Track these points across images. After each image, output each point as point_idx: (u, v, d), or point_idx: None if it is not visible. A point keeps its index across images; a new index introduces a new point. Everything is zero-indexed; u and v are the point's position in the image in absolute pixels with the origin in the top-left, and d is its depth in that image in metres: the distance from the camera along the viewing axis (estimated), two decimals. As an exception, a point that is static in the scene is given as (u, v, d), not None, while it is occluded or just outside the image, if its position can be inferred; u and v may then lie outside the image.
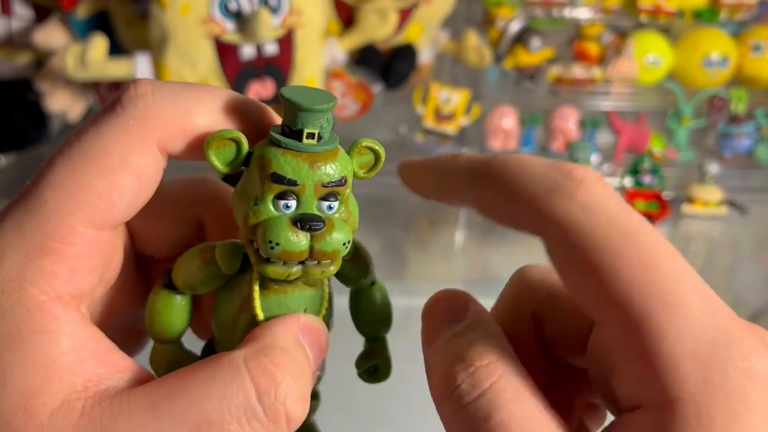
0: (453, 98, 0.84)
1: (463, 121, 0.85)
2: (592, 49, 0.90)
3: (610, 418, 0.21)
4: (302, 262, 0.20)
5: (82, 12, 0.74)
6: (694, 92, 0.87)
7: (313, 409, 0.25)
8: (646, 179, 0.82)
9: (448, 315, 0.22)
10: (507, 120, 0.85)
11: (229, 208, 0.23)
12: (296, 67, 0.74)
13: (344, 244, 0.20)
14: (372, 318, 0.25)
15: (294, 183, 0.20)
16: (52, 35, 0.73)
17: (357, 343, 0.26)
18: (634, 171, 0.82)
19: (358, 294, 0.25)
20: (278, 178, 0.20)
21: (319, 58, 0.76)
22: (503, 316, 0.24)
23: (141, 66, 0.71)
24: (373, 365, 0.25)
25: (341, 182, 0.21)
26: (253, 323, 0.21)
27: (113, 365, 0.20)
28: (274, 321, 0.21)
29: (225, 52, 0.71)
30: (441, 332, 0.21)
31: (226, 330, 0.23)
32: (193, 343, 0.25)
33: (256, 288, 0.21)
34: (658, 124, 0.88)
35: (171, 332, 0.23)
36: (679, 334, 0.17)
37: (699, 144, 0.90)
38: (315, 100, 0.20)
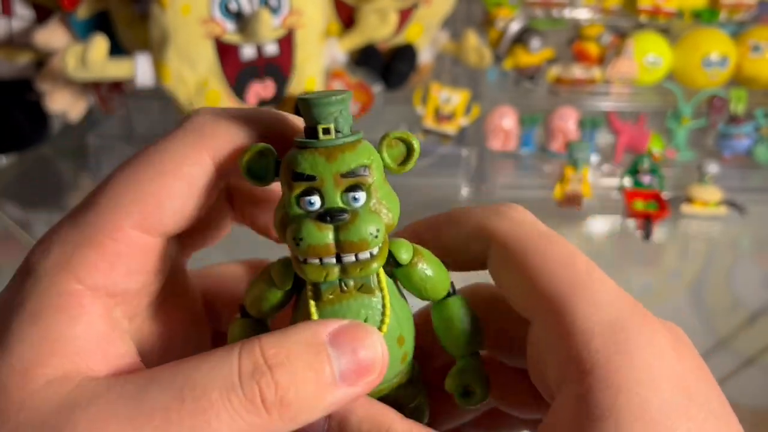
0: (453, 98, 0.84)
1: (462, 121, 0.85)
2: (592, 49, 0.90)
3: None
4: (339, 261, 0.20)
5: (82, 12, 0.74)
6: (693, 92, 0.87)
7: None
8: (646, 179, 0.82)
9: None
10: (507, 120, 0.85)
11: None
12: (296, 67, 0.74)
13: (371, 232, 0.20)
14: (453, 333, 0.23)
15: (312, 178, 0.20)
16: (52, 35, 0.74)
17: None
18: (634, 171, 0.83)
19: (437, 307, 0.24)
20: (297, 176, 0.20)
21: (319, 59, 0.76)
22: None
23: (141, 66, 0.71)
24: (465, 385, 0.24)
25: (361, 171, 0.20)
26: None
27: (116, 368, 0.20)
28: (306, 321, 0.21)
29: (225, 52, 0.71)
30: None
31: None
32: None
33: (312, 300, 0.21)
34: (657, 124, 0.88)
35: None
36: (591, 315, 0.20)
37: (698, 144, 0.90)
38: (326, 95, 0.21)
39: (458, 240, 0.24)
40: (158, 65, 0.71)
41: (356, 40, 0.80)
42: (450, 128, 0.84)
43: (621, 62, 0.88)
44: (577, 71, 0.88)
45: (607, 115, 0.88)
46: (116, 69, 0.70)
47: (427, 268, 0.23)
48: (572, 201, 0.81)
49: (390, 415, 0.22)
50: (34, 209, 0.86)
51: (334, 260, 0.20)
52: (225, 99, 0.73)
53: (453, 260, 0.24)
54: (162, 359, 0.21)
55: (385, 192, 0.21)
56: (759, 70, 0.89)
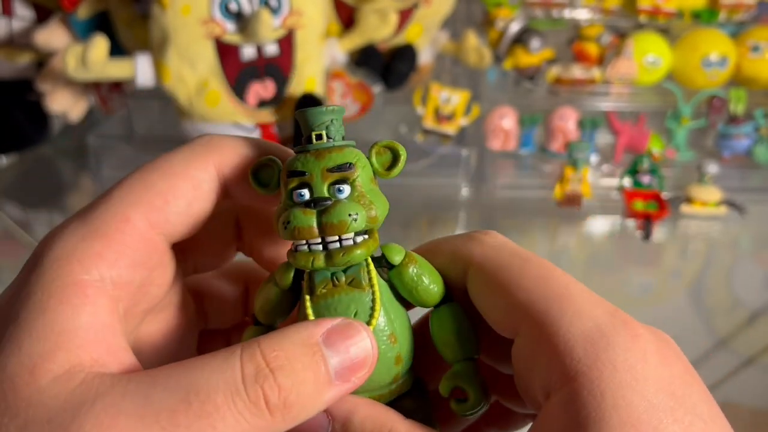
0: (453, 98, 0.84)
1: (462, 121, 0.85)
2: (592, 49, 0.90)
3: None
4: (325, 247, 0.22)
5: (82, 13, 0.74)
6: (693, 93, 0.87)
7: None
8: (645, 179, 0.82)
9: None
10: (506, 120, 0.85)
11: (262, 210, 0.27)
12: (296, 67, 0.75)
13: (350, 214, 0.22)
14: (447, 338, 0.25)
15: (303, 173, 0.23)
16: (52, 36, 0.74)
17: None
18: (633, 171, 0.83)
19: (434, 314, 0.25)
20: (291, 173, 0.23)
21: (319, 59, 0.76)
22: None
23: (141, 66, 0.71)
24: (458, 387, 0.24)
25: (346, 166, 0.23)
26: None
27: (119, 362, 0.20)
28: (301, 322, 0.21)
29: (225, 52, 0.71)
30: None
31: None
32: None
33: (306, 294, 0.23)
34: (657, 124, 0.88)
35: None
36: (571, 325, 0.20)
37: (698, 144, 0.90)
38: (319, 107, 0.23)
39: (439, 268, 0.25)
40: (158, 65, 0.71)
41: (356, 40, 0.80)
42: (450, 128, 0.84)
43: (621, 62, 0.88)
44: (577, 71, 0.88)
45: (607, 116, 0.88)
46: (116, 69, 0.70)
47: (419, 271, 0.24)
48: (572, 201, 0.81)
49: (392, 416, 0.22)
50: (34, 209, 0.86)
51: (320, 246, 0.22)
52: (225, 99, 0.73)
53: None
54: (153, 362, 0.22)
55: (372, 192, 0.23)
56: (758, 71, 0.89)
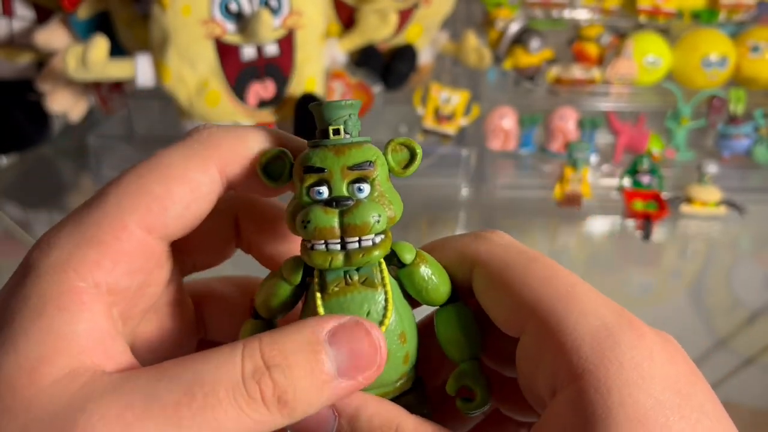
0: (453, 99, 0.85)
1: (462, 121, 0.85)
2: (592, 49, 0.90)
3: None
4: (344, 248, 0.22)
5: (83, 13, 0.74)
6: (692, 93, 0.87)
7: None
8: (645, 179, 0.82)
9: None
10: (506, 120, 0.85)
11: (261, 205, 0.26)
12: (296, 67, 0.75)
13: (373, 216, 0.22)
14: (453, 337, 0.24)
15: (321, 170, 0.22)
16: (53, 36, 0.74)
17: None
18: (633, 171, 0.83)
19: (439, 312, 0.25)
20: (308, 169, 0.22)
21: (319, 59, 0.76)
22: None
23: (142, 67, 0.71)
24: (464, 386, 0.24)
25: (367, 164, 0.22)
26: None
27: (120, 365, 0.20)
28: (305, 319, 0.21)
29: (226, 52, 0.71)
30: None
31: None
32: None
33: (318, 292, 0.23)
34: (657, 124, 0.89)
35: None
36: (578, 323, 0.20)
37: (698, 144, 0.90)
38: (337, 101, 0.23)
39: (446, 265, 0.25)
40: (158, 65, 0.71)
41: (356, 40, 0.80)
42: (450, 128, 0.85)
43: (620, 62, 0.88)
44: (577, 71, 0.88)
45: (607, 116, 0.88)
46: (117, 69, 0.71)
47: (430, 271, 0.24)
48: (572, 201, 0.81)
49: (399, 412, 0.22)
50: (35, 209, 0.86)
51: (338, 246, 0.22)
52: (225, 99, 0.73)
53: None
54: (151, 362, 0.22)
55: (390, 191, 0.23)
56: (758, 71, 0.89)
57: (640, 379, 0.19)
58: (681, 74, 0.90)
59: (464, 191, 0.84)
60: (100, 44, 0.68)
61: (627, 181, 0.83)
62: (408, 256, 0.24)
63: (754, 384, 0.66)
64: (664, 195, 0.82)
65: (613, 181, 0.84)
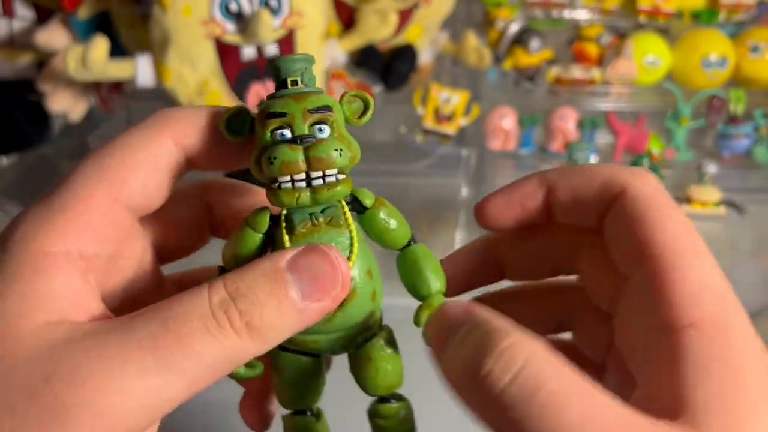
0: (453, 99, 0.85)
1: (462, 121, 0.85)
2: (591, 49, 0.90)
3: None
4: (309, 184, 0.23)
5: (83, 13, 0.74)
6: (692, 93, 0.87)
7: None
8: (645, 179, 0.82)
9: (452, 323, 0.22)
10: (506, 120, 0.85)
11: (232, 190, 0.27)
12: (296, 67, 0.75)
13: (336, 149, 0.23)
14: (415, 276, 0.26)
15: (283, 114, 0.23)
16: (53, 36, 0.74)
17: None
18: (633, 171, 0.83)
19: (401, 255, 0.27)
20: (270, 115, 0.24)
21: (319, 59, 0.76)
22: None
23: (142, 67, 0.72)
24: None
25: (326, 107, 0.24)
26: None
27: (95, 319, 0.21)
28: (266, 255, 0.23)
29: (226, 52, 0.71)
30: (450, 339, 0.22)
31: None
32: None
33: (286, 235, 0.24)
34: (656, 124, 0.89)
35: None
36: (703, 272, 0.22)
37: (697, 144, 0.90)
38: (291, 55, 0.25)
39: (588, 188, 0.26)
40: (159, 66, 0.71)
41: (356, 40, 0.80)
42: (450, 128, 0.85)
43: (620, 63, 0.88)
44: (577, 72, 0.88)
45: (607, 116, 0.88)
46: (117, 70, 0.71)
47: (389, 215, 0.26)
48: (572, 201, 0.81)
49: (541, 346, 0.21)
50: (35, 209, 0.86)
51: (304, 183, 0.23)
52: (225, 99, 0.73)
53: (573, 209, 0.26)
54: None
55: (347, 136, 0.24)
56: (758, 71, 0.89)
57: (751, 341, 0.21)
58: (681, 74, 0.90)
59: (464, 191, 0.84)
60: (101, 44, 0.68)
61: (627, 181, 0.83)
62: (368, 201, 0.25)
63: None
64: (664, 195, 0.82)
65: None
